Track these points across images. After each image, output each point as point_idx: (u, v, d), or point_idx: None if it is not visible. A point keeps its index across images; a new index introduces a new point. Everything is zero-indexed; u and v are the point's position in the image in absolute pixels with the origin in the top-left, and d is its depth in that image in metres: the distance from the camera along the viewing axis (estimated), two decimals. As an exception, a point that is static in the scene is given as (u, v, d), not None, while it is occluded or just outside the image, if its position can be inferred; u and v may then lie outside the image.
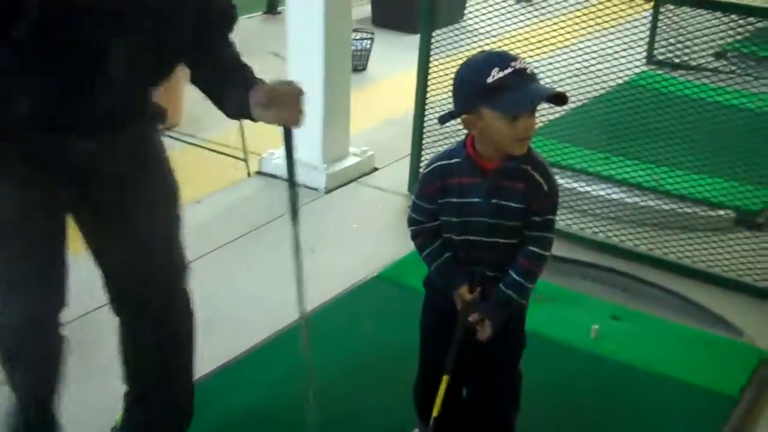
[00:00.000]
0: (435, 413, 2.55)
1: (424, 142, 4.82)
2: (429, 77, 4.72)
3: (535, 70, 2.30)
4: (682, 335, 3.61)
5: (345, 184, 4.96)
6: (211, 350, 3.27)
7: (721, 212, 4.59)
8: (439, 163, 2.47)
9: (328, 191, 4.88)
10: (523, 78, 2.25)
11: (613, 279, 4.11)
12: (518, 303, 2.47)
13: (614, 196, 4.64)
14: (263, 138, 5.13)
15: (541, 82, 2.34)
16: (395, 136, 5.58)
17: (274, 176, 4.97)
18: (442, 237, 2.49)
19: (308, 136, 4.91)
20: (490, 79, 2.24)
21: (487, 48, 3.56)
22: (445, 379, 2.52)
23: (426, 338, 2.68)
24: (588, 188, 4.77)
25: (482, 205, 2.38)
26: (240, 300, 3.85)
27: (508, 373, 2.66)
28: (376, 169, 5.16)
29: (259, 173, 5.05)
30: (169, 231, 2.65)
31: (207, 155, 5.12)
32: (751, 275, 4.05)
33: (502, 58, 2.28)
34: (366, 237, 4.46)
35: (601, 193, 4.68)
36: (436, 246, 2.50)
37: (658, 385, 3.30)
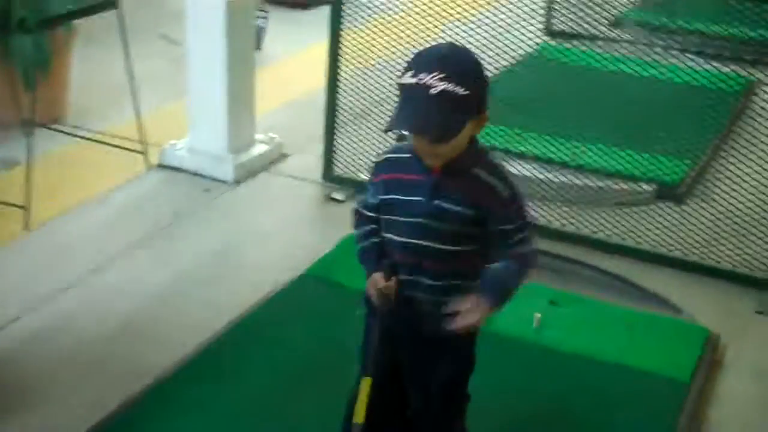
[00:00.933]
0: (358, 420, 2.26)
1: (336, 122, 4.58)
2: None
3: (440, 92, 2.02)
4: (624, 318, 3.51)
5: (254, 174, 4.68)
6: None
7: (643, 186, 4.53)
8: (388, 155, 2.31)
9: (237, 183, 4.59)
10: (418, 96, 2.04)
11: (542, 261, 3.97)
12: (510, 292, 2.26)
13: (531, 174, 4.50)
14: (163, 129, 4.82)
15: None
16: (300, 118, 5.33)
17: (176, 169, 4.65)
18: (378, 224, 2.31)
19: (212, 125, 4.62)
20: (400, 80, 2.10)
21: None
22: (366, 381, 2.27)
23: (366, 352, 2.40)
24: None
25: (424, 204, 2.19)
26: (152, 302, 3.56)
27: (454, 399, 2.45)
28: (285, 156, 4.89)
29: (160, 166, 4.70)
30: None
31: (101, 149, 4.75)
32: (681, 249, 3.99)
33: (419, 63, 2.08)
34: (283, 230, 4.20)
35: (518, 170, 4.53)
36: (369, 229, 2.33)
37: (608, 373, 3.19)
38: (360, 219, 2.36)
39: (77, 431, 2.78)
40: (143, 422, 2.86)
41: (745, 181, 4.04)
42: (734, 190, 4.08)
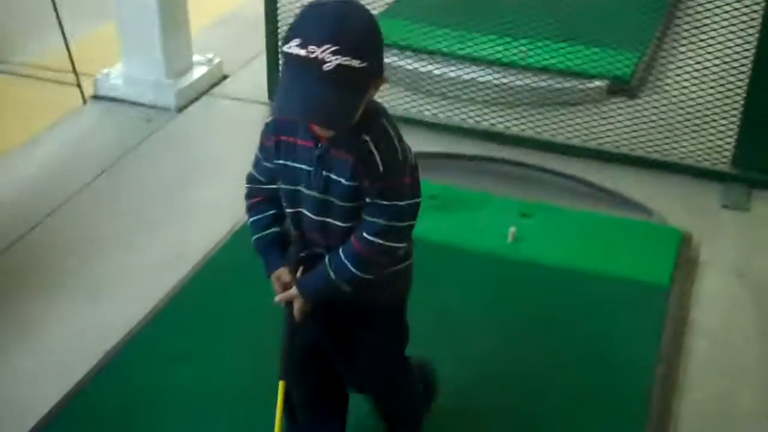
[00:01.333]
0: (276, 429, 2.05)
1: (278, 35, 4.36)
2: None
3: (335, 67, 1.74)
4: (597, 224, 3.48)
5: (196, 98, 4.47)
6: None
7: (595, 82, 4.46)
8: (276, 118, 2.01)
9: (180, 110, 4.37)
10: (308, 72, 1.75)
11: (505, 170, 3.92)
12: (336, 284, 2.00)
13: (477, 77, 4.38)
14: (94, 57, 4.55)
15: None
16: (235, 35, 5.10)
17: (113, 99, 4.41)
18: (277, 207, 2.08)
19: (146, 49, 4.37)
20: (285, 47, 1.78)
21: None
22: (281, 385, 2.07)
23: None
24: (447, 70, 4.49)
25: (312, 175, 1.95)
26: (110, 248, 3.39)
27: (389, 378, 2.27)
28: (226, 77, 4.67)
29: (95, 97, 4.45)
30: None
31: (29, 84, 4.47)
32: (642, 147, 3.96)
33: (307, 30, 1.76)
34: (234, 158, 4.00)
35: (462, 74, 4.42)
36: (266, 216, 2.09)
37: (588, 283, 3.16)
38: (255, 201, 2.10)
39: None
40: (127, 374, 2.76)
41: (696, 70, 3.96)
42: (685, 80, 4.02)
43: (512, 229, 3.37)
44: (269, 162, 2.02)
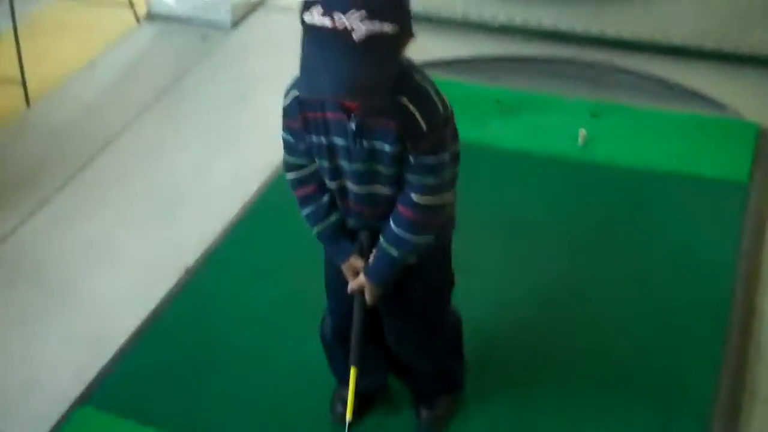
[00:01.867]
0: (348, 416, 2.02)
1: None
2: None
3: (367, 38, 1.57)
4: (670, 122, 3.38)
5: (250, 13, 4.39)
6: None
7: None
8: (296, 93, 1.82)
9: (235, 25, 4.31)
10: (336, 44, 1.57)
11: (571, 71, 3.81)
12: (401, 261, 1.91)
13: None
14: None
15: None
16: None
17: (166, 18, 4.36)
18: (328, 191, 1.94)
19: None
20: (306, 17, 1.61)
21: None
22: (353, 371, 2.01)
23: (329, 289, 2.16)
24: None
25: (352, 147, 1.81)
26: (178, 167, 3.38)
27: (430, 325, 2.14)
28: (279, -12, 4.58)
29: (149, 17, 4.41)
30: None
31: (82, 7, 4.43)
32: (713, 39, 3.81)
33: None
34: (293, 73, 3.97)
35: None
36: (321, 206, 1.95)
37: (663, 183, 3.09)
38: (305, 191, 1.95)
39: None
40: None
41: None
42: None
43: (582, 131, 3.29)
44: (301, 140, 1.87)
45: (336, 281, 2.06)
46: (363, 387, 2.07)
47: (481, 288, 2.61)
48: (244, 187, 3.17)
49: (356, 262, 1.97)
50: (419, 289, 2.04)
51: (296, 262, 2.79)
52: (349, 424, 2.04)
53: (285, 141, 1.92)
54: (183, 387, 2.46)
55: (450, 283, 2.13)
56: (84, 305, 2.79)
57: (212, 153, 3.44)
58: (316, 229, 1.98)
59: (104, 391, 2.46)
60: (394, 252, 1.90)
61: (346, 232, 1.98)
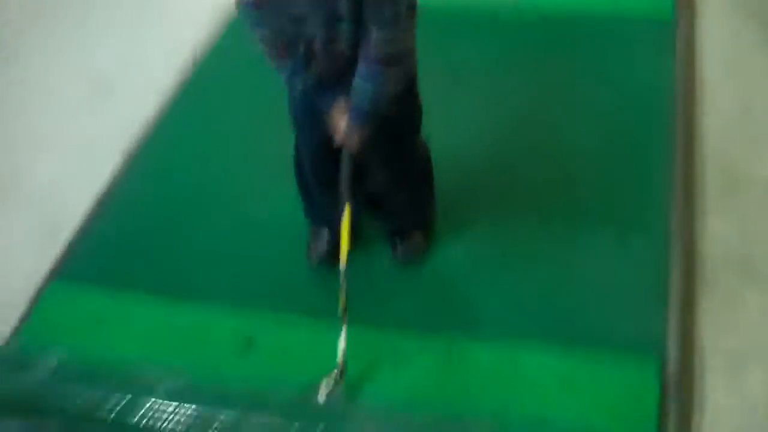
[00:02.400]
0: (343, 246, 2.11)
1: None
2: None
3: None
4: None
5: None
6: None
7: None
8: None
9: None
10: None
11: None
12: (381, 95, 1.97)
13: None
14: None
15: None
16: None
17: None
18: (297, 49, 1.97)
19: None
20: None
21: None
22: (347, 207, 2.11)
23: (300, 124, 2.21)
24: None
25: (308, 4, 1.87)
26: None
27: (402, 150, 2.22)
28: None
29: None
30: None
31: None
32: None
33: None
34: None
35: None
36: (297, 61, 1.98)
37: (593, 27, 3.17)
38: (276, 58, 1.99)
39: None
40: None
41: None
42: None
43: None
44: (261, 9, 1.91)
45: (303, 115, 2.13)
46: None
47: (442, 129, 2.60)
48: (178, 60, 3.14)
49: (337, 111, 2.01)
50: (391, 117, 2.08)
51: (251, 121, 2.84)
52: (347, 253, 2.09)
53: (244, 18, 1.94)
54: (154, 249, 2.49)
55: (418, 110, 2.19)
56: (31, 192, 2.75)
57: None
58: (300, 88, 2.02)
59: (76, 264, 2.46)
60: (370, 86, 1.94)
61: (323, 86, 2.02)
